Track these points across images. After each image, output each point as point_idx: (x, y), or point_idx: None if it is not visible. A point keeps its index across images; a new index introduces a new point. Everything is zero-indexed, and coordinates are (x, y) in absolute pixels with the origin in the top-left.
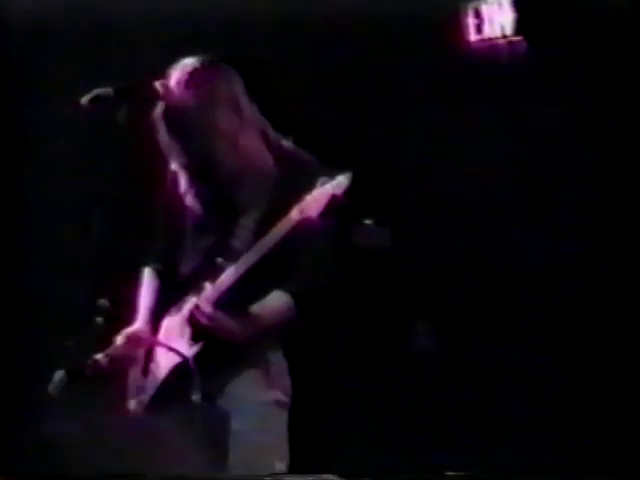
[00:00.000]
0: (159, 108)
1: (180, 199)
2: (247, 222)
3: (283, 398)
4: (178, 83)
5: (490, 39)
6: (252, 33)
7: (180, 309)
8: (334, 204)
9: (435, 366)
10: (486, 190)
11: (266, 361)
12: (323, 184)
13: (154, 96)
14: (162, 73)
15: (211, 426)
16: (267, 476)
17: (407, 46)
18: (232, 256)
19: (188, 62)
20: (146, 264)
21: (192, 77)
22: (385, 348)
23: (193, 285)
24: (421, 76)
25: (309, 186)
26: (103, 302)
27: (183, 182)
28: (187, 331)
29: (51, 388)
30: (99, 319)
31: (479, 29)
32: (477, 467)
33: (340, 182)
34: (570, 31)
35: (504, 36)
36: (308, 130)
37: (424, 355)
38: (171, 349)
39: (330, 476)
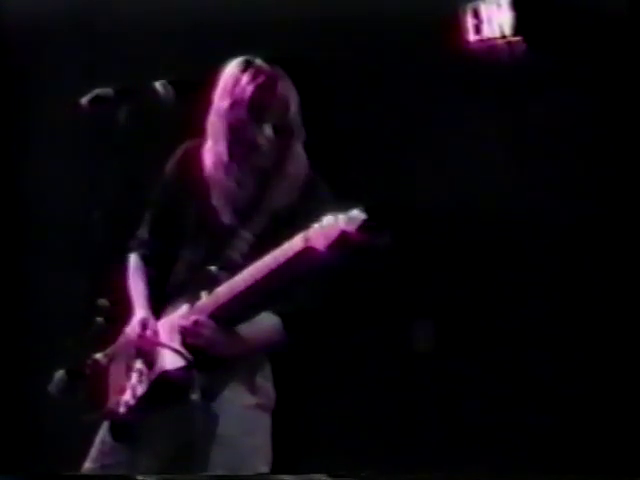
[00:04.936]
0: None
1: (188, 180)
2: (246, 234)
3: (266, 402)
4: (240, 79)
5: (489, 39)
6: (254, 34)
7: (169, 311)
8: (344, 240)
9: (434, 366)
10: (486, 189)
11: (249, 365)
12: (334, 216)
13: (153, 97)
14: (162, 73)
15: (198, 428)
16: (262, 476)
17: (405, 46)
18: (227, 266)
19: (255, 62)
20: (132, 250)
21: (256, 75)
22: (384, 348)
23: (185, 290)
24: (419, 76)
25: (309, 204)
26: (103, 302)
27: (216, 160)
28: (177, 338)
29: (51, 388)
30: (99, 319)
31: (478, 29)
32: (475, 467)
33: (353, 218)
34: (569, 31)
35: (503, 36)
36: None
37: (423, 355)
38: (178, 352)
39: (321, 476)
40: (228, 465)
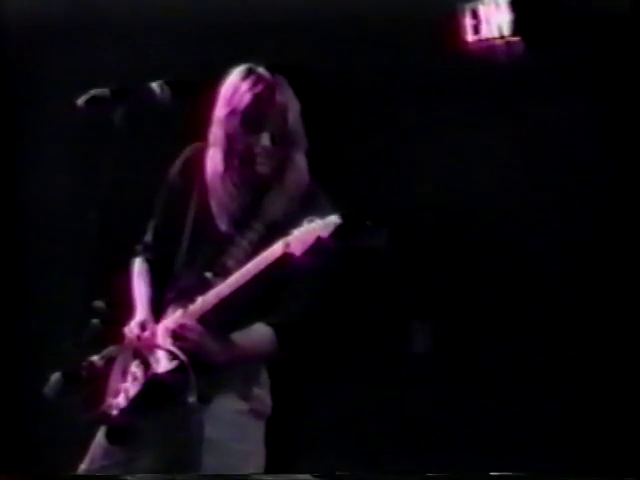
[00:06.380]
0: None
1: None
2: (243, 242)
3: (260, 407)
4: (239, 87)
5: (487, 40)
6: (256, 40)
7: (168, 315)
8: (319, 245)
9: (433, 367)
10: (484, 190)
11: (244, 371)
12: (314, 222)
13: (150, 98)
14: (162, 75)
15: (193, 432)
16: (245, 476)
17: (404, 47)
18: (222, 273)
19: (257, 70)
20: (137, 254)
21: (255, 84)
22: (382, 349)
23: (183, 295)
24: (418, 77)
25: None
26: (99, 304)
27: (213, 169)
28: (168, 342)
29: (47, 390)
30: (95, 321)
31: (476, 30)
32: (470, 468)
33: (328, 224)
34: (568, 31)
35: (501, 37)
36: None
37: (419, 358)
38: (172, 354)
39: (306, 476)
40: (219, 470)
